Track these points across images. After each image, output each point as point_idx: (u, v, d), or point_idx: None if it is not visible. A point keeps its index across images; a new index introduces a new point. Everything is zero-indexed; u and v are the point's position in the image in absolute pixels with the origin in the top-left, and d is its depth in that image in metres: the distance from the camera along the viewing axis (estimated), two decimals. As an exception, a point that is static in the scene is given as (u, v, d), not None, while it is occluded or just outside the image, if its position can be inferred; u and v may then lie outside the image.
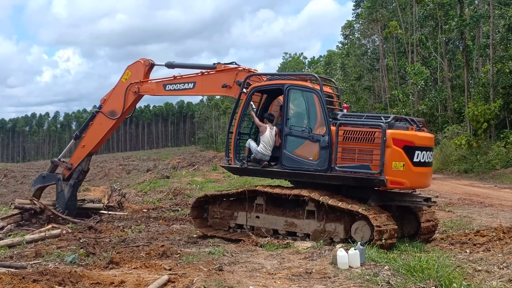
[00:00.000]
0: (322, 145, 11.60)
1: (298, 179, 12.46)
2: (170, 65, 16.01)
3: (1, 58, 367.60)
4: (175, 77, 15.37)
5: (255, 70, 14.24)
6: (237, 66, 14.24)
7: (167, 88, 15.48)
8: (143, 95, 16.35)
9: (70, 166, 17.03)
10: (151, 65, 16.33)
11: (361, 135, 11.17)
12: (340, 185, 11.89)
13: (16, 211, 16.30)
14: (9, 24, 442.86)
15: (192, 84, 14.97)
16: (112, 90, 16.65)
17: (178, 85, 15.23)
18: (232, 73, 14.08)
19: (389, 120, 11.13)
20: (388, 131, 10.87)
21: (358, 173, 11.21)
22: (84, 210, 17.53)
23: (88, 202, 18.21)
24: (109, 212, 17.84)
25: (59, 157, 17.89)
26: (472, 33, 44.27)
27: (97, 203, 18.43)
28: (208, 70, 14.75)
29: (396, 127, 11.19)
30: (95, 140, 16.96)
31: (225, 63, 14.50)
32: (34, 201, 16.13)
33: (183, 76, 15.31)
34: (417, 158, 11.13)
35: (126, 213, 18.00)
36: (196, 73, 15.06)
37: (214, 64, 14.69)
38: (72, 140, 18.10)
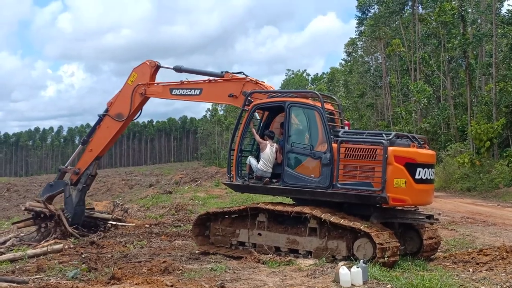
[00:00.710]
0: (323, 162, 11.61)
1: (299, 196, 12.45)
2: (178, 69, 16.05)
3: (6, 73, 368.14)
4: (182, 82, 15.41)
5: (262, 82, 14.20)
6: (245, 76, 14.25)
7: (173, 93, 15.50)
8: (149, 97, 16.35)
9: (77, 170, 17.08)
10: (157, 67, 16.42)
11: (362, 152, 11.18)
12: (342, 203, 11.88)
13: (25, 216, 16.35)
14: (15, 39, 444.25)
15: (199, 90, 14.97)
16: (118, 93, 16.73)
17: (185, 90, 15.25)
18: (240, 84, 14.09)
19: (390, 137, 11.15)
20: (390, 148, 10.88)
21: (359, 190, 11.20)
22: (92, 219, 17.60)
23: (97, 212, 18.28)
24: (118, 223, 17.90)
25: (66, 164, 17.99)
26: (475, 52, 44.40)
27: (106, 214, 18.48)
28: (216, 78, 14.78)
29: (398, 144, 11.20)
30: (102, 144, 17.00)
31: (233, 73, 14.52)
32: (45, 204, 16.19)
33: (191, 82, 15.36)
34: (418, 175, 11.12)
35: (133, 224, 18.06)
36: (204, 80, 15.11)
37: (222, 72, 14.72)
38: (80, 145, 18.05)
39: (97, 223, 17.65)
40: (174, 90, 15.48)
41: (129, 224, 18.11)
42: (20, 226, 16.69)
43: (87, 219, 17.32)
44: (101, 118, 16.95)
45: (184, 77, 15.97)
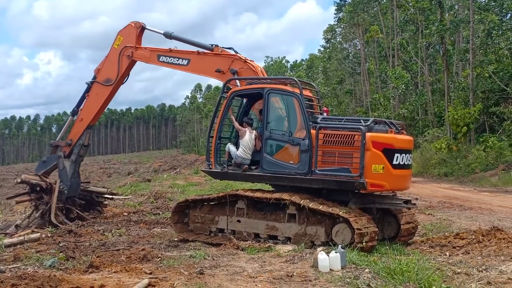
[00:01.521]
0: (302, 148, 11.62)
1: (278, 182, 12.46)
2: (168, 36, 15.81)
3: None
4: (170, 50, 15.23)
5: (251, 60, 14.00)
6: (234, 53, 14.12)
7: (160, 59, 15.36)
8: (136, 61, 16.18)
9: (69, 142, 16.91)
10: (142, 28, 16.24)
11: (341, 138, 11.19)
12: (321, 189, 11.92)
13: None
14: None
15: (187, 61, 14.84)
16: (105, 58, 16.56)
17: (173, 59, 15.11)
18: (228, 60, 13.96)
19: (368, 123, 11.18)
20: (368, 134, 10.91)
21: (338, 176, 11.23)
22: (88, 192, 17.61)
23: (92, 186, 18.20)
24: (114, 197, 17.84)
25: (57, 138, 17.74)
26: (452, 38, 44.73)
27: (101, 188, 18.36)
28: (205, 51, 14.61)
29: (376, 130, 11.23)
30: (93, 112, 16.81)
31: (223, 47, 14.36)
32: (40, 176, 16.11)
33: (179, 51, 15.19)
34: (396, 160, 11.18)
35: (130, 197, 17.94)
36: (193, 51, 14.92)
37: (212, 45, 14.52)
38: (70, 117, 17.80)
39: (92, 197, 17.63)
40: (161, 57, 15.34)
41: (123, 197, 17.98)
42: (18, 200, 16.51)
43: (82, 193, 17.24)
44: (89, 86, 16.75)
45: (173, 45, 15.74)
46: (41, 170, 16.93)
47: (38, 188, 16.21)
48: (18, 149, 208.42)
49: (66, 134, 17.60)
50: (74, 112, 17.25)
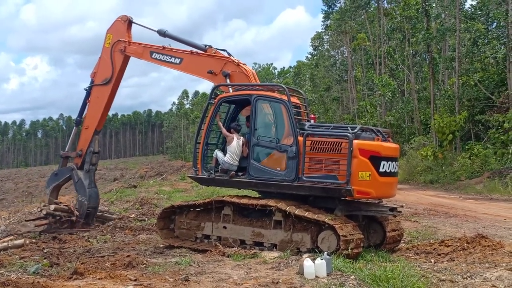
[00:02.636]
0: (289, 155, 11.63)
1: (265, 189, 12.45)
2: (162, 33, 15.73)
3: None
4: (164, 47, 15.20)
5: (244, 64, 14.01)
6: (228, 56, 14.10)
7: (153, 56, 15.32)
8: (130, 56, 16.10)
9: (80, 152, 16.72)
10: (130, 22, 16.19)
11: (328, 145, 11.21)
12: (307, 195, 11.92)
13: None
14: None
15: (179, 60, 14.80)
16: (99, 60, 16.51)
17: (165, 56, 15.07)
18: (221, 62, 13.95)
19: (355, 130, 11.21)
20: (355, 141, 10.93)
21: (325, 183, 11.24)
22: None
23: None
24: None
25: (66, 149, 17.58)
26: (438, 46, 45.06)
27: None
28: (198, 51, 14.57)
29: (363, 138, 11.26)
30: (97, 116, 16.65)
31: (217, 49, 14.34)
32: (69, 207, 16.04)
33: (173, 49, 15.14)
34: (383, 168, 11.21)
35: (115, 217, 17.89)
36: (186, 51, 14.87)
37: (205, 46, 14.49)
38: (74, 128, 17.66)
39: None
40: (154, 54, 15.30)
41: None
42: (37, 224, 16.22)
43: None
44: (88, 92, 16.66)
45: (167, 43, 15.70)
46: (52, 183, 16.83)
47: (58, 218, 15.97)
48: (3, 155, 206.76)
49: (75, 145, 17.45)
50: (78, 122, 17.20)
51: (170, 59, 15.00)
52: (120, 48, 15.92)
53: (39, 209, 16.66)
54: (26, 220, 16.16)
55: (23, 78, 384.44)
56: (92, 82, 16.60)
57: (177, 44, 15.67)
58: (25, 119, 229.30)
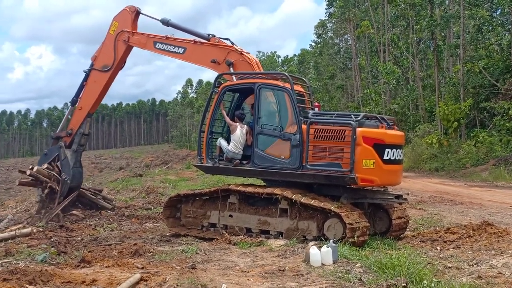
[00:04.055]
0: (293, 143, 11.65)
1: (269, 177, 12.50)
2: (165, 23, 15.74)
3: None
4: (167, 37, 15.20)
5: (248, 53, 14.00)
6: (231, 44, 14.09)
7: (156, 46, 15.33)
8: (133, 46, 16.13)
9: (70, 131, 16.87)
10: (137, 12, 16.22)
11: (331, 133, 11.21)
12: (312, 183, 11.94)
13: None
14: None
15: (183, 49, 14.80)
16: (101, 45, 16.52)
17: (169, 46, 15.07)
18: (224, 51, 13.94)
19: (359, 118, 11.20)
20: (358, 129, 10.94)
21: (329, 171, 11.26)
22: (94, 202, 17.70)
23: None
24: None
25: (57, 130, 17.64)
26: (442, 33, 44.78)
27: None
28: (202, 40, 14.58)
29: (366, 125, 11.26)
30: (92, 100, 16.75)
31: (220, 38, 14.33)
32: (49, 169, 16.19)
33: (176, 39, 15.13)
34: (387, 155, 11.21)
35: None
36: (189, 40, 14.87)
37: (209, 35, 14.48)
38: (70, 107, 17.70)
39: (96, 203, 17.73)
40: (157, 44, 15.31)
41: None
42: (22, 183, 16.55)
43: (89, 200, 17.49)
44: (87, 74, 16.70)
45: (170, 32, 15.66)
46: (43, 163, 16.81)
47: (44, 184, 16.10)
48: (8, 144, 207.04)
49: (67, 125, 17.50)
50: (74, 102, 17.15)
51: (173, 49, 14.99)
52: (124, 38, 15.93)
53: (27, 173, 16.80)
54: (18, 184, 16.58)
55: (28, 67, 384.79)
56: (92, 65, 16.61)
57: (180, 33, 15.67)
58: (30, 109, 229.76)
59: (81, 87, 16.94)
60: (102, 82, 16.51)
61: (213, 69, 14.15)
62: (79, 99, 16.96)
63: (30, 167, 16.64)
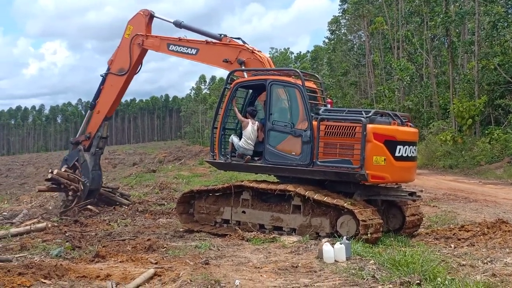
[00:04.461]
0: (304, 140, 11.65)
1: (280, 174, 12.53)
2: (178, 24, 15.97)
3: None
4: (180, 39, 15.36)
5: (259, 51, 14.09)
6: (242, 43, 14.19)
7: (170, 48, 15.52)
8: (147, 49, 16.34)
9: (88, 135, 17.18)
10: (151, 16, 16.39)
11: (342, 130, 11.20)
12: (323, 180, 11.92)
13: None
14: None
15: (195, 50, 14.98)
16: (117, 49, 16.76)
17: (182, 48, 15.25)
18: (236, 50, 14.05)
19: (369, 114, 11.16)
20: (369, 125, 10.90)
21: (339, 167, 11.24)
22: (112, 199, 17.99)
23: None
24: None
25: (77, 134, 17.96)
26: (457, 30, 44.43)
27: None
28: (214, 40, 14.73)
29: (378, 122, 11.22)
30: (109, 103, 17.02)
31: (231, 37, 14.45)
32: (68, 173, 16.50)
33: (189, 40, 15.28)
34: (399, 152, 11.15)
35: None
36: (201, 41, 15.04)
37: (220, 35, 14.64)
38: (88, 111, 17.93)
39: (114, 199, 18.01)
40: (171, 46, 15.49)
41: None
42: (42, 189, 16.79)
43: (107, 197, 17.76)
44: (104, 78, 16.98)
45: (183, 34, 15.84)
46: (63, 168, 17.11)
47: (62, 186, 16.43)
48: (23, 139, 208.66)
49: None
50: (92, 106, 17.46)
51: (186, 50, 15.17)
52: (138, 42, 16.16)
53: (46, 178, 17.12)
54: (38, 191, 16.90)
55: (42, 63, 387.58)
56: (108, 69, 16.90)
57: (193, 35, 15.85)
58: (44, 104, 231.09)
59: (99, 91, 17.20)
60: (118, 86, 16.77)
61: (225, 69, 14.25)
62: (96, 103, 17.21)
63: (50, 170, 16.98)
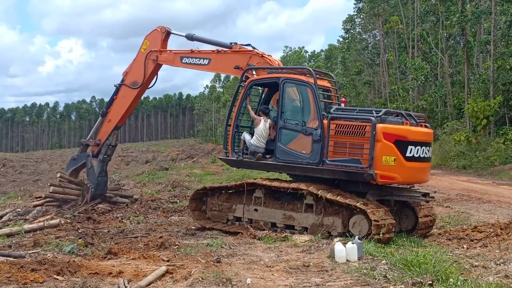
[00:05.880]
0: (314, 138, 11.62)
1: (291, 172, 12.54)
2: (190, 37, 16.31)
3: (4, 48, 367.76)
4: (192, 51, 15.63)
5: (269, 55, 14.21)
6: (252, 49, 14.35)
7: (183, 61, 15.74)
8: (162, 64, 16.57)
9: (98, 142, 17.49)
10: (168, 33, 16.67)
11: (352, 129, 11.14)
12: (332, 179, 11.87)
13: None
14: (13, 14, 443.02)
15: (207, 60, 15.18)
16: (133, 62, 17.00)
17: (194, 59, 15.49)
18: (246, 56, 14.20)
19: (380, 114, 11.09)
20: (379, 125, 10.82)
21: (348, 166, 11.19)
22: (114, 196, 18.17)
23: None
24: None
25: (88, 137, 18.35)
26: (473, 29, 44.18)
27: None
28: (224, 49, 14.95)
29: (389, 122, 11.14)
30: (120, 113, 17.29)
31: (241, 44, 14.62)
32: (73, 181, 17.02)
33: (200, 51, 15.60)
34: (410, 153, 11.06)
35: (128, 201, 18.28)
36: (212, 50, 15.29)
37: (231, 43, 14.85)
38: (99, 118, 18.23)
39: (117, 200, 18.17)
40: (184, 59, 15.71)
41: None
42: (37, 204, 17.01)
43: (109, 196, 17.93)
44: (117, 89, 17.24)
45: (195, 46, 16.25)
46: (71, 167, 17.71)
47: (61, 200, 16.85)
48: (37, 136, 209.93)
49: (96, 133, 18.13)
50: (104, 113, 17.78)
51: (199, 61, 15.42)
52: (153, 58, 16.42)
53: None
54: (50, 184, 17.36)
55: (58, 61, 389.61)
56: (122, 80, 17.17)
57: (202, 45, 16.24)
58: (59, 101, 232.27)
59: (112, 100, 17.51)
60: (130, 98, 17.06)
61: (237, 75, 14.41)
62: (108, 112, 17.50)
63: (58, 174, 17.72)
